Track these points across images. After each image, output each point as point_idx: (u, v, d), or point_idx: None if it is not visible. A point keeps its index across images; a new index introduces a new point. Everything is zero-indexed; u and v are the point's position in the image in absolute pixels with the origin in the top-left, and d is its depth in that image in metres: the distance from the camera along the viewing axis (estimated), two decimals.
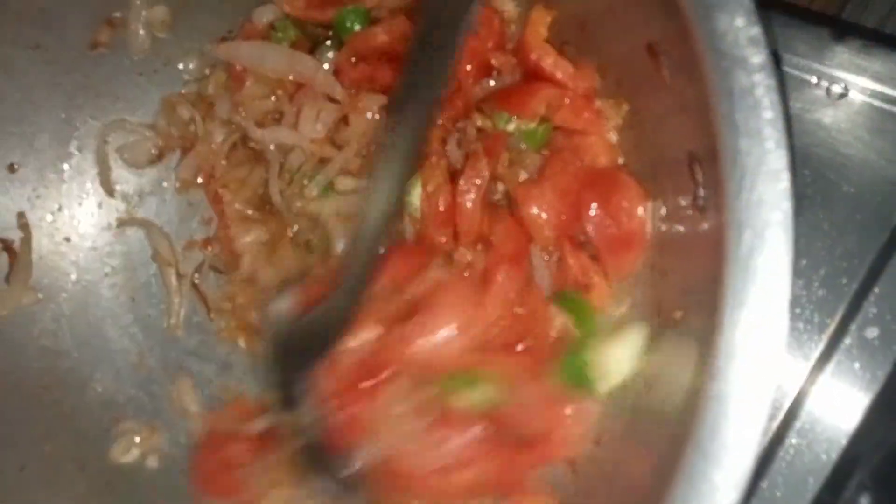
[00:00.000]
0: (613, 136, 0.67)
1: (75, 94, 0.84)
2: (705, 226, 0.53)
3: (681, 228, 0.60)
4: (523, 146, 0.71)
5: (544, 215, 0.67)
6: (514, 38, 0.74)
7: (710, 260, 0.50)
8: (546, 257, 0.69)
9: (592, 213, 0.65)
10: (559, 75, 0.68)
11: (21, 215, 0.83)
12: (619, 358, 0.61)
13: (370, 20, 0.78)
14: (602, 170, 0.67)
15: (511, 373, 0.65)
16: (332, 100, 0.78)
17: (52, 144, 0.84)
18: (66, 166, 0.86)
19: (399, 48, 0.75)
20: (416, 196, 0.70)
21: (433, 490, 0.66)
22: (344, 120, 0.78)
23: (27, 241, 0.83)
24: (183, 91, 0.87)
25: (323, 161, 0.78)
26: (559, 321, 0.66)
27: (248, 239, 0.81)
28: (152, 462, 0.84)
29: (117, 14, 0.83)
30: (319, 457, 0.71)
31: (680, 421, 0.48)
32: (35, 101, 0.82)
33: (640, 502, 0.55)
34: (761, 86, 0.42)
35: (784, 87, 0.66)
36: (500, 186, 0.72)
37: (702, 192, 0.54)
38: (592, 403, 0.62)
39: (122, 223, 0.88)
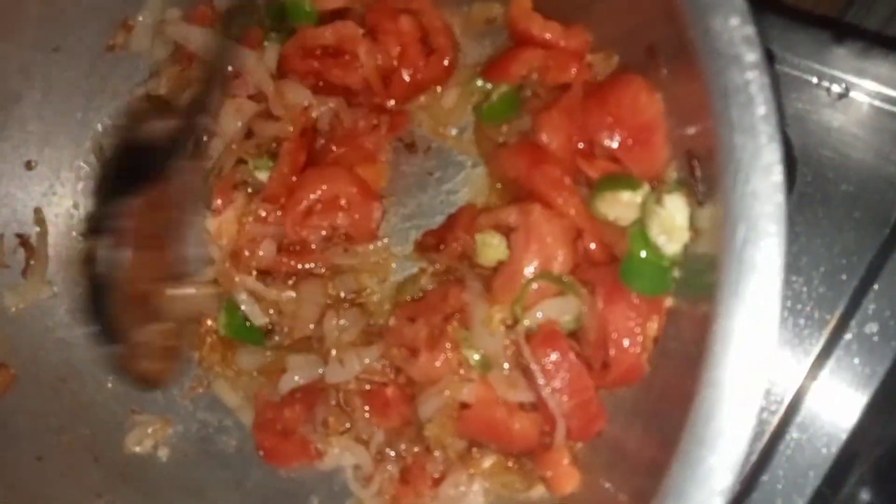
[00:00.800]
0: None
1: (93, 96, 0.86)
2: (704, 220, 0.55)
3: None
4: None
5: (555, 141, 0.68)
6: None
7: (709, 251, 0.51)
8: None
9: (605, 121, 0.64)
10: (548, 36, 0.71)
11: (38, 211, 0.86)
12: (672, 215, 0.59)
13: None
14: (602, 81, 0.69)
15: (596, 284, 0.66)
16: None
17: (69, 144, 0.87)
18: (82, 165, 0.88)
19: (347, 49, 0.78)
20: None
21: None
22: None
23: (43, 236, 0.86)
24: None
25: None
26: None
27: None
28: (163, 453, 0.85)
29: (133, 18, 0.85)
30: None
31: (678, 407, 0.50)
32: (54, 102, 0.85)
33: (640, 488, 0.56)
34: (755, 83, 0.44)
35: (778, 84, 0.67)
36: None
37: (701, 187, 0.55)
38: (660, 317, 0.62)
39: None
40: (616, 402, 0.67)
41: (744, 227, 0.43)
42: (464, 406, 0.72)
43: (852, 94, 0.80)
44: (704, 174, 0.54)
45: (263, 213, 0.79)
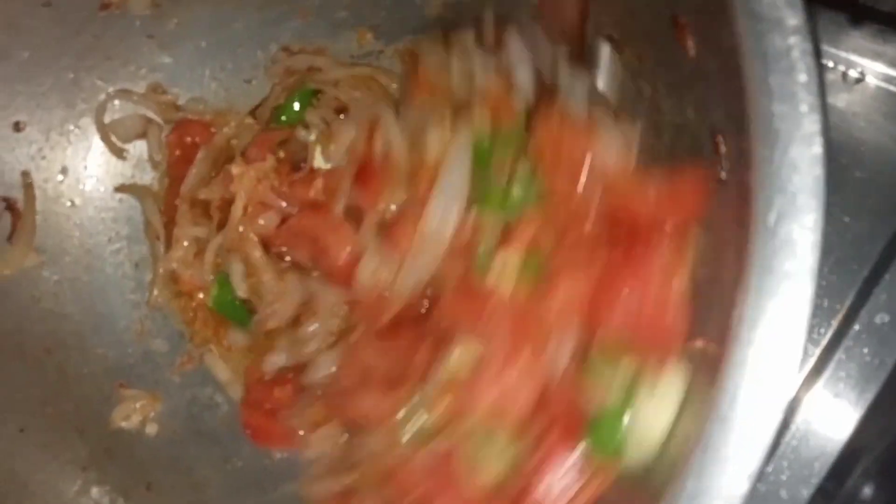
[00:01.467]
0: None
1: (84, 56, 0.83)
2: (727, 198, 0.53)
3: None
4: None
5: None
6: None
7: (731, 231, 0.49)
8: None
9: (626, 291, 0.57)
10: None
11: (26, 175, 0.82)
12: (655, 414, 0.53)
13: None
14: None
15: None
16: None
17: (60, 105, 0.84)
18: (72, 128, 0.85)
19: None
20: None
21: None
22: None
23: (31, 201, 0.82)
24: None
25: None
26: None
27: None
28: (151, 429, 0.83)
29: None
30: None
31: (700, 389, 0.48)
32: (44, 61, 0.81)
33: (662, 472, 0.54)
34: (797, 48, 0.41)
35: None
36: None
37: (724, 164, 0.53)
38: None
39: (119, 189, 0.87)
40: None
41: (780, 201, 0.41)
42: None
43: (868, 78, 0.78)
44: (730, 150, 0.52)
45: (283, 187, 0.77)
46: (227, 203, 0.80)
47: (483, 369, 0.61)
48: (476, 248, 0.65)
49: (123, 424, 0.82)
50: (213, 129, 0.86)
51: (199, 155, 0.84)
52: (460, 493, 0.61)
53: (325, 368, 0.74)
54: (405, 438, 0.63)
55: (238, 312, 0.82)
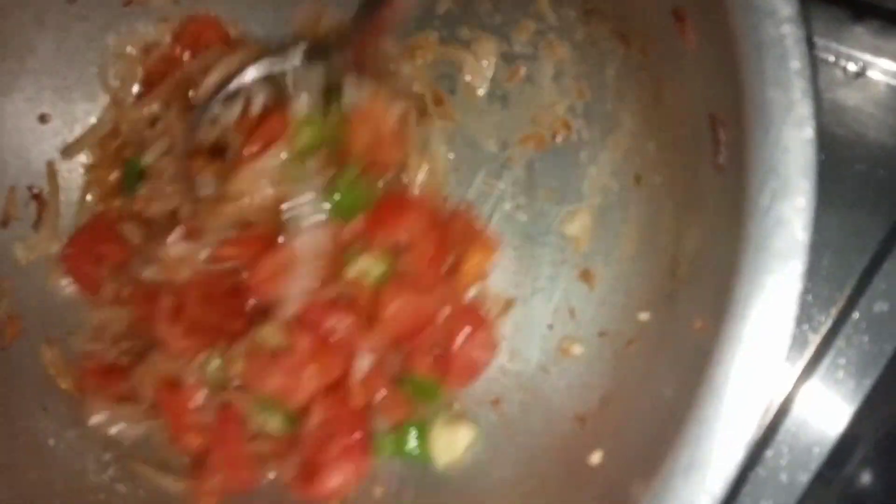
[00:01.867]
0: None
1: (108, 50, 0.86)
2: (724, 184, 0.55)
3: (698, 190, 0.61)
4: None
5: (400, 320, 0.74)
6: None
7: (729, 214, 0.51)
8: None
9: (459, 337, 0.75)
10: None
11: (50, 165, 0.85)
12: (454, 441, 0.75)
13: None
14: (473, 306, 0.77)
15: None
16: None
17: (83, 98, 0.86)
18: (95, 120, 0.87)
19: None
20: None
21: None
22: None
23: (55, 190, 0.85)
24: None
25: None
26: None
27: None
28: None
29: None
30: None
31: (693, 370, 0.50)
32: (69, 55, 0.84)
33: (647, 455, 0.56)
34: (790, 37, 0.44)
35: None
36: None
37: (723, 151, 0.55)
38: None
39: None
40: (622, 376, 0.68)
41: (773, 182, 0.44)
42: None
43: (869, 73, 0.80)
44: (729, 138, 0.54)
45: None
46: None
47: (281, 356, 0.72)
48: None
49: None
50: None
51: None
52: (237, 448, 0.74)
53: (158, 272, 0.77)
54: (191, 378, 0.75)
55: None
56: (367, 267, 0.74)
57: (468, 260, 0.77)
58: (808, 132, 0.43)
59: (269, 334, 0.73)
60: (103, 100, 0.87)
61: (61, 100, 0.85)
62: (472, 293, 0.78)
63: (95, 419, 0.79)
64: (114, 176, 0.86)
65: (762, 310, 0.44)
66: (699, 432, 0.47)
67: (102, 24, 0.85)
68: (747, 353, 0.46)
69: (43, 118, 0.85)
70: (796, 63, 0.43)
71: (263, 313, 0.74)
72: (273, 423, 0.75)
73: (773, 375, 0.44)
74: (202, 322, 0.75)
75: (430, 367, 0.76)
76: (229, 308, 0.75)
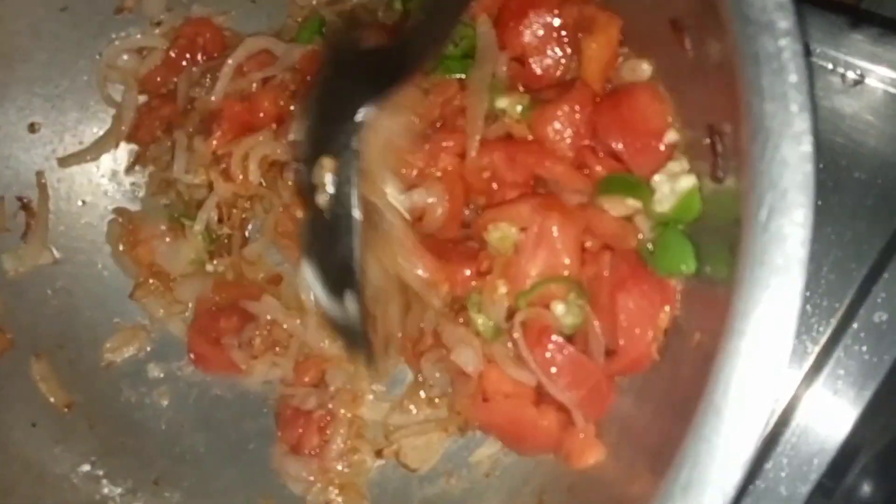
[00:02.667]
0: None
1: (100, 59, 0.85)
2: (723, 195, 0.54)
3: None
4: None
5: (564, 134, 0.70)
6: None
7: (727, 228, 0.51)
8: None
9: (615, 124, 0.67)
10: None
11: (40, 175, 0.84)
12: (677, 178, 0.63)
13: None
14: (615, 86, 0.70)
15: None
16: None
17: (74, 107, 0.86)
18: (86, 130, 0.87)
19: None
20: None
21: None
22: None
23: (45, 200, 0.84)
24: None
25: None
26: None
27: None
28: (163, 421, 0.84)
29: None
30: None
31: (694, 383, 0.49)
32: (61, 64, 0.84)
33: (651, 463, 0.55)
34: (787, 50, 0.43)
35: (811, 67, 0.67)
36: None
37: (721, 162, 0.54)
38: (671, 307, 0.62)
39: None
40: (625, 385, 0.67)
41: (771, 196, 0.43)
42: (484, 397, 0.71)
43: (867, 80, 0.79)
44: (726, 149, 0.53)
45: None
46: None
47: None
48: None
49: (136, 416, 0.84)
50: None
51: None
52: None
53: None
54: None
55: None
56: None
57: (588, 46, 0.70)
58: (807, 146, 0.42)
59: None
60: (94, 108, 0.86)
61: (53, 109, 0.85)
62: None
63: None
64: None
65: (761, 326, 0.43)
66: (697, 450, 0.46)
67: (94, 31, 0.84)
68: (746, 369, 0.45)
69: (33, 127, 0.84)
70: (794, 76, 0.43)
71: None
72: None
73: (773, 392, 0.44)
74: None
75: (610, 165, 0.69)
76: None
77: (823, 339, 0.77)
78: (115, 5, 0.84)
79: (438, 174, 0.74)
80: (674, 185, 0.61)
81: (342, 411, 0.79)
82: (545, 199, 0.71)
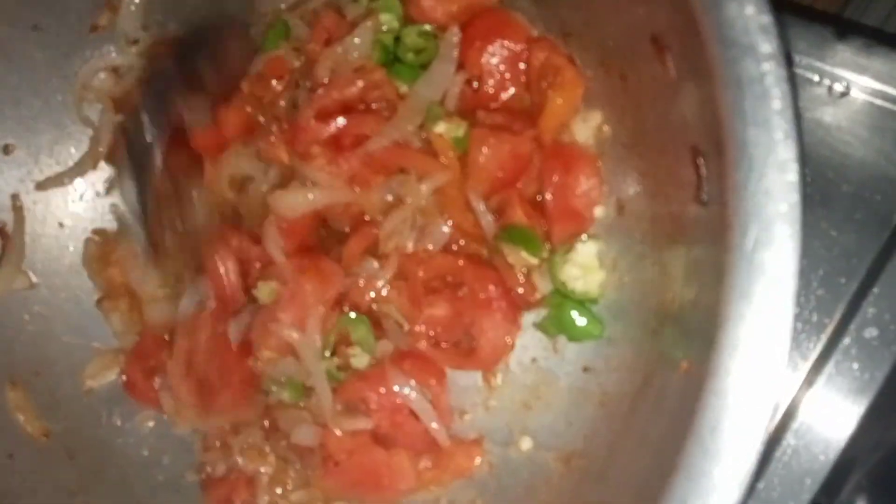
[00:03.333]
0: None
1: (75, 79, 0.83)
2: (708, 220, 0.53)
3: (682, 224, 0.59)
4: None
5: (490, 164, 0.72)
6: None
7: (712, 254, 0.49)
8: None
9: (553, 180, 0.71)
10: None
11: (15, 198, 0.82)
12: (585, 260, 0.70)
13: None
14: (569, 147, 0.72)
15: None
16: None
17: (49, 128, 0.84)
18: (62, 150, 0.85)
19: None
20: None
21: None
22: None
23: (20, 223, 0.83)
24: None
25: None
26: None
27: None
28: (144, 450, 0.83)
29: None
30: None
31: (680, 415, 0.48)
32: (33, 84, 0.82)
33: (636, 499, 0.54)
34: (771, 75, 0.42)
35: (795, 80, 0.66)
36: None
37: (705, 186, 0.53)
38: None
39: None
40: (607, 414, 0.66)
41: (756, 228, 0.41)
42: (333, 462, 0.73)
43: (853, 92, 0.78)
44: (710, 173, 0.52)
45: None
46: None
47: None
48: None
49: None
50: None
51: None
52: None
53: None
54: None
55: None
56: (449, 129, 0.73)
57: (553, 100, 0.72)
58: (792, 175, 0.41)
59: None
60: (70, 129, 0.85)
61: (26, 130, 0.83)
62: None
63: None
64: None
65: (747, 362, 0.42)
66: (686, 486, 0.45)
67: (67, 50, 0.82)
68: (735, 400, 0.44)
69: (7, 149, 0.82)
70: (778, 103, 0.41)
71: None
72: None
73: (762, 431, 0.42)
74: None
75: (529, 214, 0.73)
76: None
77: (814, 356, 0.76)
78: (88, 24, 0.81)
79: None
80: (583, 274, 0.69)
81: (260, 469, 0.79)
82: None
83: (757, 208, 0.41)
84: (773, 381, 0.42)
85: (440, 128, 0.72)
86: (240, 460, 0.78)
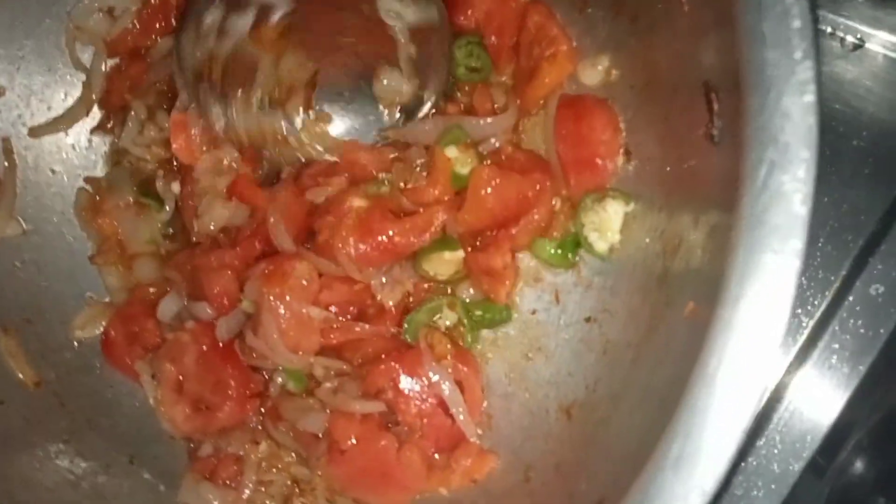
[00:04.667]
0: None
1: (67, 19, 0.81)
2: (719, 159, 0.51)
3: (692, 167, 0.58)
4: None
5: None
6: None
7: (723, 193, 0.48)
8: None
9: (564, 131, 0.70)
10: None
11: (6, 141, 0.80)
12: (610, 217, 0.69)
13: None
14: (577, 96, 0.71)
15: None
16: None
17: (41, 70, 0.82)
18: (53, 94, 0.83)
19: None
20: None
21: None
22: None
23: (12, 168, 0.81)
24: None
25: None
26: None
27: None
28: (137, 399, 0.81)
29: None
30: None
31: (685, 359, 0.47)
32: (26, 25, 0.80)
33: (640, 444, 0.52)
34: None
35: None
36: None
37: (717, 122, 0.51)
38: None
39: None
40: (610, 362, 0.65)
41: (772, 151, 0.40)
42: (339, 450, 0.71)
43: (867, 45, 0.76)
44: (722, 108, 0.50)
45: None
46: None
47: None
48: None
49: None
50: None
51: None
52: None
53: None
54: None
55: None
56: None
57: (544, 74, 0.72)
58: (810, 97, 0.39)
59: None
60: (62, 71, 0.83)
61: (18, 71, 0.81)
62: None
63: None
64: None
65: (758, 291, 0.41)
66: (690, 423, 0.44)
67: None
68: (741, 339, 0.42)
69: None
70: (797, 22, 0.40)
71: None
72: None
73: (768, 363, 0.41)
74: None
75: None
76: None
77: (818, 313, 0.75)
78: None
79: None
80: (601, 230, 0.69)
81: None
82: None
83: (774, 131, 0.40)
84: (783, 310, 0.40)
85: (451, 152, 0.71)
86: (228, 448, 0.77)
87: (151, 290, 0.81)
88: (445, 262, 0.72)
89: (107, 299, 0.83)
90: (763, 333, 0.41)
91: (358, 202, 0.71)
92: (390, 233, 0.69)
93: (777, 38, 0.40)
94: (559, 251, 0.71)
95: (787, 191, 0.39)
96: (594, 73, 0.70)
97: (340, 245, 0.69)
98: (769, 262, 0.40)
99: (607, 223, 0.68)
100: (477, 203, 0.69)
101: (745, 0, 0.41)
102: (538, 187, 0.70)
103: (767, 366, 0.41)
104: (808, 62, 0.39)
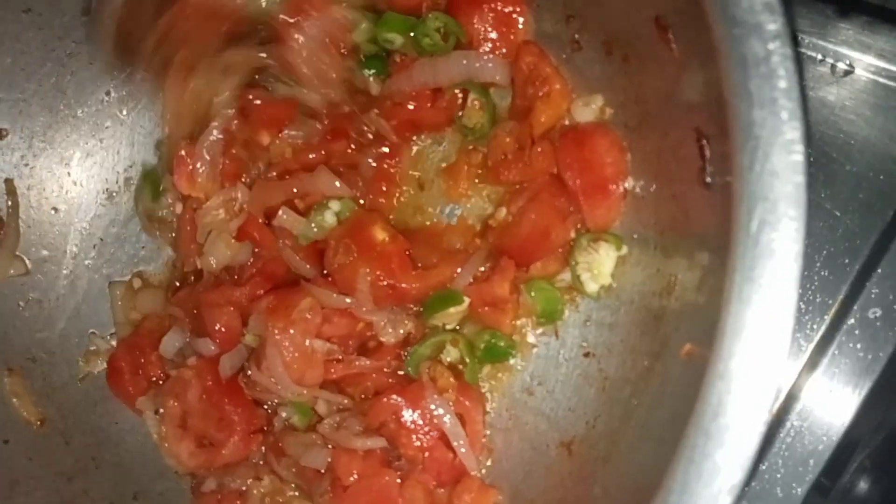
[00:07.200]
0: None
1: (68, 62, 0.82)
2: (712, 203, 0.52)
3: (686, 207, 0.58)
4: None
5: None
6: None
7: (716, 237, 0.49)
8: None
9: (568, 159, 0.70)
10: None
11: (9, 183, 0.81)
12: (602, 261, 0.70)
13: None
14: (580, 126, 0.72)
15: None
16: None
17: (42, 111, 0.83)
18: (55, 135, 0.84)
19: None
20: None
21: None
22: None
23: (15, 209, 0.82)
24: None
25: None
26: None
27: None
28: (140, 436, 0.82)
29: None
30: None
31: (682, 400, 0.47)
32: (27, 67, 0.80)
33: (639, 483, 0.53)
34: (777, 54, 0.41)
35: (801, 60, 0.65)
36: None
37: (709, 168, 0.52)
38: None
39: None
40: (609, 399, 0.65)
41: (761, 209, 0.41)
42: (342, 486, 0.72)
43: (857, 70, 0.77)
44: (714, 155, 0.51)
45: None
46: None
47: None
48: None
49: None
50: None
51: None
52: None
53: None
54: None
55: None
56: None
57: (539, 113, 0.72)
58: (798, 156, 0.40)
59: None
60: (64, 112, 0.84)
61: (20, 114, 0.82)
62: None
63: None
64: None
65: (750, 347, 0.41)
66: (688, 469, 0.44)
67: (60, 33, 0.81)
68: (738, 389, 0.43)
69: (0, 134, 0.81)
70: (784, 82, 0.40)
71: None
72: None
73: (764, 414, 0.42)
74: None
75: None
76: None
77: (817, 337, 0.75)
78: (81, 6, 0.80)
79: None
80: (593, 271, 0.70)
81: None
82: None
83: (762, 189, 0.41)
84: (777, 364, 0.41)
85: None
86: (232, 483, 0.77)
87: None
88: (451, 315, 0.73)
89: (110, 333, 0.84)
90: (756, 389, 0.42)
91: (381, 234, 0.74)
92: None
93: (763, 98, 0.41)
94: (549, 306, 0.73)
95: (778, 248, 0.40)
96: (588, 111, 0.70)
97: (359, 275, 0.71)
98: (760, 319, 0.41)
99: (599, 265, 0.69)
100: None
101: (731, 58, 0.42)
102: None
103: (761, 420, 0.41)
104: (795, 122, 0.40)
